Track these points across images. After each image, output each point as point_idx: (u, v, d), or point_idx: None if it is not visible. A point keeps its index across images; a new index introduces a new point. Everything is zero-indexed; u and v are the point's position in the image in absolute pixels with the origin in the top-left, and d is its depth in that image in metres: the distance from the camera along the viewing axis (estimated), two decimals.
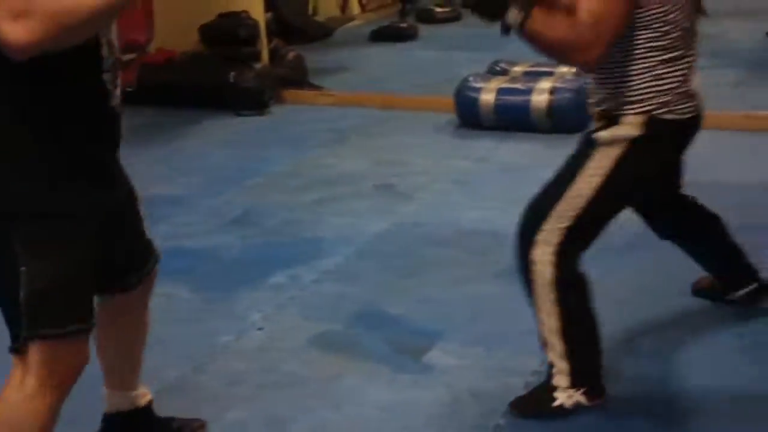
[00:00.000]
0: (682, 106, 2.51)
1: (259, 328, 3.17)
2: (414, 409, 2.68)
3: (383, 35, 8.07)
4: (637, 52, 2.44)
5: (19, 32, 1.69)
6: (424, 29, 8.38)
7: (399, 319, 3.21)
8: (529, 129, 5.24)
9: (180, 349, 3.04)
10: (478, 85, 5.39)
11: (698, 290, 3.22)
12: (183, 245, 3.87)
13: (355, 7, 9.06)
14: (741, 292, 3.11)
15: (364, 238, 3.90)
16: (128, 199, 2.22)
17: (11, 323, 1.99)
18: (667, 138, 2.55)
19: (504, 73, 5.75)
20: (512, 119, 5.27)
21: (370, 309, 3.30)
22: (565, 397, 2.62)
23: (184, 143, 5.34)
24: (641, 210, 2.95)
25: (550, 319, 2.57)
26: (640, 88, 2.47)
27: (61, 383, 2.02)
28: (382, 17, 8.86)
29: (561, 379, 2.62)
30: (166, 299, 3.38)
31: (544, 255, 2.52)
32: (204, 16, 6.13)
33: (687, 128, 2.58)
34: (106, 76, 1.98)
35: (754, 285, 3.11)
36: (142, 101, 5.95)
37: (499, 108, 5.29)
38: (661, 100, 2.47)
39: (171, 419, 2.55)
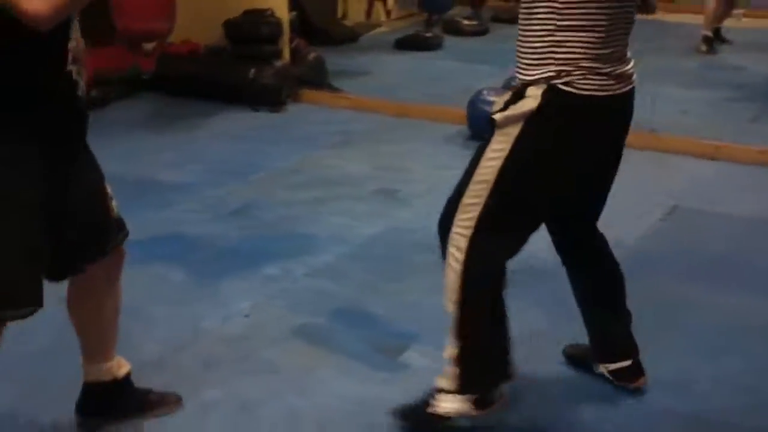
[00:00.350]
0: (585, 80, 2.38)
1: (246, 316, 3.28)
2: (383, 405, 2.76)
3: (408, 44, 8.15)
4: (538, 15, 2.37)
5: (39, 5, 1.88)
6: (449, 40, 8.46)
7: (380, 320, 3.31)
8: None
9: (165, 329, 3.16)
10: (491, 98, 5.43)
11: (569, 355, 3.00)
12: (182, 231, 3.99)
13: (380, 14, 9.17)
14: (611, 366, 2.84)
15: (358, 239, 4.00)
16: (89, 182, 2.30)
17: None
18: (566, 112, 2.40)
19: None
20: None
21: (354, 307, 3.40)
22: (444, 403, 2.58)
23: (196, 133, 5.46)
24: (553, 226, 2.76)
25: (452, 321, 2.54)
26: (537, 54, 2.39)
27: None
28: (409, 25, 8.96)
29: (445, 382, 2.59)
30: (159, 280, 3.53)
31: (458, 249, 2.48)
32: (230, 12, 6.26)
33: (591, 108, 2.42)
34: (72, 68, 2.13)
35: (627, 362, 2.83)
36: (163, 89, 6.10)
37: None
38: (557, 69, 2.36)
39: (149, 391, 2.67)
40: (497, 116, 2.45)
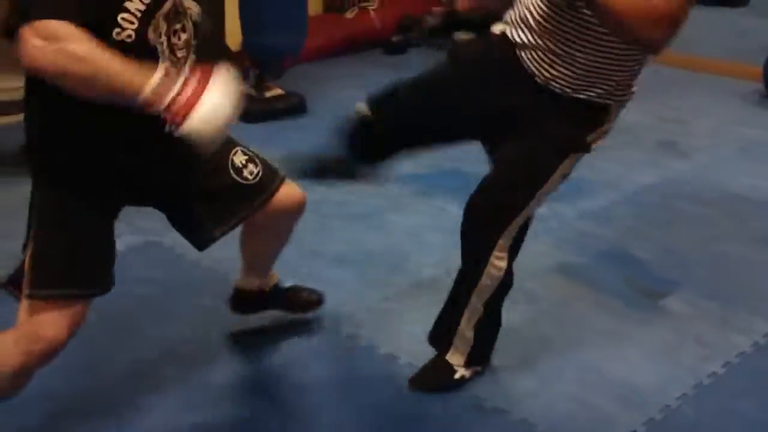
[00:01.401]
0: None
1: None
2: (635, 343, 2.90)
3: None
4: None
5: (36, 51, 1.81)
6: None
7: (644, 264, 3.40)
8: None
9: (438, 255, 3.42)
10: None
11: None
12: (461, 168, 4.24)
13: None
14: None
15: (631, 187, 4.07)
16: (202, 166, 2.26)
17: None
18: None
19: None
20: None
21: (619, 250, 3.51)
22: (463, 371, 2.66)
23: None
24: None
25: (473, 315, 2.59)
26: (625, 82, 2.34)
27: (45, 342, 2.09)
28: None
29: (457, 359, 2.66)
30: (439, 211, 3.81)
31: (501, 257, 2.49)
32: None
33: None
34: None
35: None
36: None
37: None
38: (628, 98, 2.39)
39: (300, 289, 2.91)
40: (591, 139, 2.41)
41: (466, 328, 2.62)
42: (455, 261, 3.36)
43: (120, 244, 3.37)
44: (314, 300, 2.94)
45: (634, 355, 2.84)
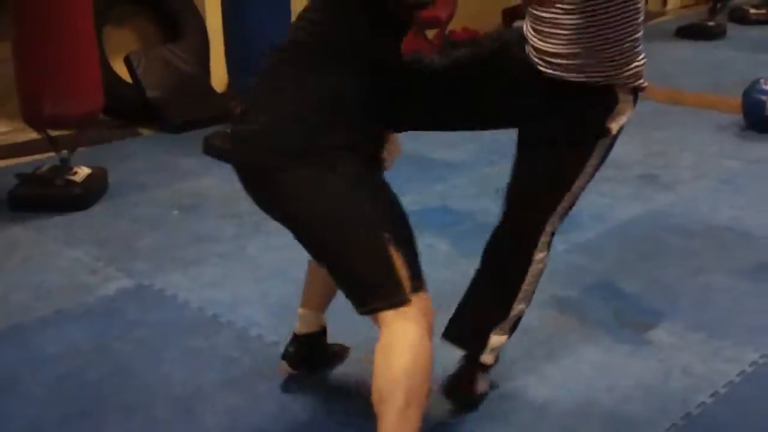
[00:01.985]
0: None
1: None
2: (624, 374, 2.93)
3: (689, 32, 8.06)
4: (628, 10, 2.28)
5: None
6: (734, 29, 8.27)
7: (630, 296, 3.45)
8: None
9: (429, 290, 3.46)
10: None
11: None
12: (451, 205, 4.31)
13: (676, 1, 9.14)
14: None
15: (617, 220, 4.14)
16: None
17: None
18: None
19: None
20: None
21: (606, 283, 3.56)
22: (483, 382, 2.72)
23: None
24: None
25: (520, 305, 2.61)
26: (633, 56, 2.37)
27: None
28: (693, 14, 8.83)
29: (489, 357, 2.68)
30: (428, 248, 3.84)
31: (542, 251, 2.52)
32: (509, 0, 6.52)
33: None
34: None
35: None
36: None
37: None
38: (642, 71, 2.39)
39: (332, 344, 2.92)
40: (613, 127, 2.42)
41: (509, 324, 2.63)
42: (446, 296, 3.40)
43: (111, 289, 3.47)
44: (344, 350, 2.96)
45: (624, 386, 2.87)
